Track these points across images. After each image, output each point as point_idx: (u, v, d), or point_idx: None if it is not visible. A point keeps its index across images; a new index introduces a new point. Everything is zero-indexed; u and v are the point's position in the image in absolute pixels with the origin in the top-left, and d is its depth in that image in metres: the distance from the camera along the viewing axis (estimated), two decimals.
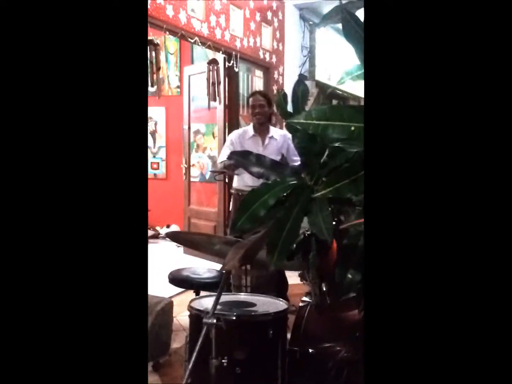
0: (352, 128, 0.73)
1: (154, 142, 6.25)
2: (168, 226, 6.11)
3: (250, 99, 3.25)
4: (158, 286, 3.22)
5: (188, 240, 1.92)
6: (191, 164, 5.17)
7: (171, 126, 6.05)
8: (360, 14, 1.03)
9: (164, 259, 4.93)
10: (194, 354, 1.46)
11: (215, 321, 1.52)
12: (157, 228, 6.14)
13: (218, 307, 1.75)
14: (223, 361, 1.64)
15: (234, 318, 1.75)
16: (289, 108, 1.19)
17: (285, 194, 1.06)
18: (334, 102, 6.09)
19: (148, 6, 3.32)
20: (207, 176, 5.04)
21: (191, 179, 5.19)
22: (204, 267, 2.79)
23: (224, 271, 1.53)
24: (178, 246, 5.11)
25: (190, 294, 2.90)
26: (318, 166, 1.13)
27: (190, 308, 1.91)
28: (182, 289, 3.37)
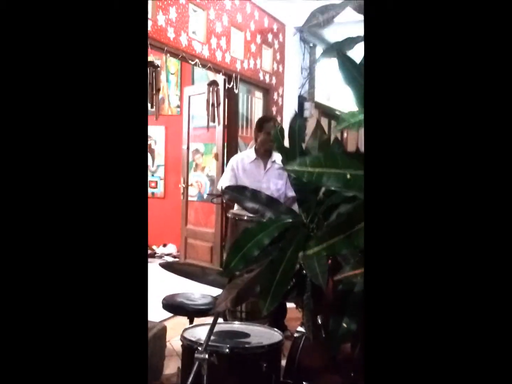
0: (348, 176, 0.71)
1: (153, 161, 6.24)
2: (164, 245, 6.06)
3: (265, 124, 3.21)
4: (151, 308, 3.17)
5: (182, 271, 1.89)
6: (189, 184, 5.15)
7: (170, 145, 6.05)
8: (356, 51, 1.02)
9: (159, 279, 4.87)
10: None
11: (207, 356, 1.48)
12: (154, 247, 6.09)
13: (211, 337, 1.71)
14: None
15: (227, 351, 1.71)
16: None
17: (279, 233, 1.04)
18: (333, 123, 6.11)
19: (149, 28, 3.34)
20: (205, 196, 5.02)
21: (189, 199, 5.17)
22: (199, 293, 2.74)
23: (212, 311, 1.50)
24: None
25: (183, 317, 2.86)
26: (314, 203, 1.11)
27: (183, 338, 1.86)
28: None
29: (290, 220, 1.05)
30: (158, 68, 3.83)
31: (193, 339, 1.82)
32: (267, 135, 3.18)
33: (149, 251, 5.94)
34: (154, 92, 3.76)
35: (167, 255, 5.85)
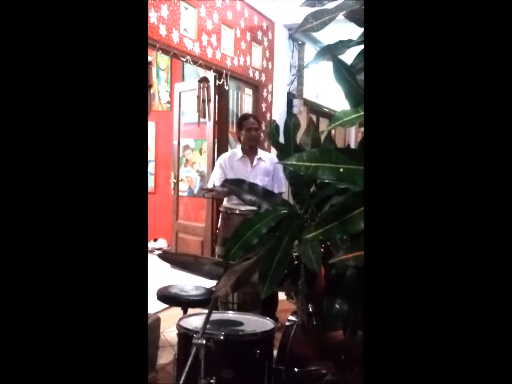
0: (341, 170, 0.79)
1: None
2: (155, 240, 6.11)
3: (244, 122, 3.30)
4: None
5: (178, 261, 1.96)
6: (179, 179, 5.21)
7: (160, 140, 6.08)
8: (348, 55, 1.10)
9: (151, 273, 4.92)
10: (184, 374, 1.49)
11: (204, 341, 1.55)
12: None
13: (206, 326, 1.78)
14: (211, 381, 1.67)
15: (222, 338, 1.79)
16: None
17: (276, 223, 1.11)
18: (323, 120, 6.21)
19: None
20: (195, 191, 5.08)
21: (180, 194, 5.22)
22: (192, 284, 2.81)
23: (212, 296, 1.57)
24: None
25: (177, 309, 2.92)
26: (308, 196, 1.19)
27: (179, 326, 1.93)
28: (166, 306, 3.38)
29: (286, 211, 1.13)
30: (150, 65, 3.87)
31: (189, 327, 1.89)
32: (249, 131, 3.27)
33: None
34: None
35: (158, 249, 5.90)
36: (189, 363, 1.53)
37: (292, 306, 2.31)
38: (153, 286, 2.89)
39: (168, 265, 5.03)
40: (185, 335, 1.89)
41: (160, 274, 4.86)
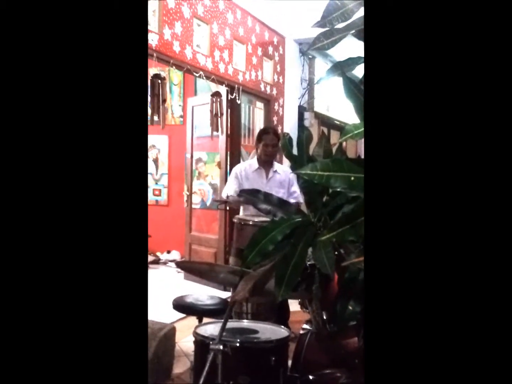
0: (352, 178, 0.85)
1: (157, 169, 6.38)
2: (168, 252, 6.18)
3: (264, 136, 3.37)
4: (159, 311, 3.30)
5: (194, 269, 2.02)
6: (192, 191, 5.29)
7: (174, 154, 6.19)
8: (358, 70, 1.16)
9: (165, 284, 4.99)
10: (202, 379, 1.54)
11: (221, 347, 1.60)
12: (158, 253, 6.21)
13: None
14: None
15: (238, 344, 1.84)
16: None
17: (290, 230, 1.17)
18: (333, 132, 6.27)
19: (156, 42, 3.50)
20: (208, 203, 5.15)
21: (192, 206, 5.30)
22: (206, 294, 2.87)
23: (230, 300, 1.63)
24: (179, 272, 5.18)
25: (191, 320, 2.97)
26: (321, 204, 1.25)
27: (195, 334, 1.99)
28: (183, 315, 3.44)
29: (300, 219, 1.19)
30: (164, 80, 3.98)
31: (206, 334, 1.94)
32: (266, 147, 3.35)
33: (154, 258, 6.07)
34: (160, 103, 3.91)
35: (171, 261, 5.98)
36: (206, 368, 1.58)
37: (305, 316, 2.35)
38: (168, 297, 2.96)
39: (181, 276, 5.12)
40: (201, 342, 1.94)
41: (173, 285, 4.93)
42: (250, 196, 1.30)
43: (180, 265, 1.87)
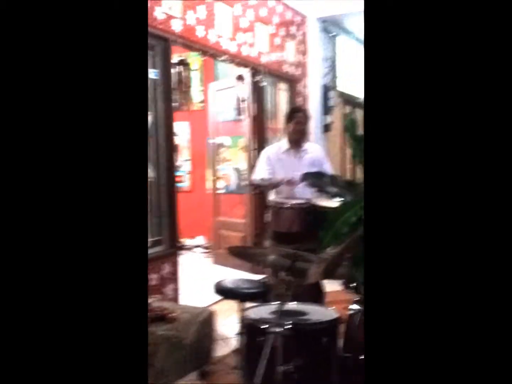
0: None
1: (178, 156, 6.38)
2: (193, 238, 6.21)
3: (295, 114, 3.34)
4: (193, 296, 3.33)
5: (245, 253, 2.02)
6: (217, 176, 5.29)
7: (195, 139, 6.18)
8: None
9: (195, 270, 5.03)
10: (264, 362, 1.55)
11: (281, 329, 1.61)
12: (182, 239, 6.24)
13: (271, 316, 1.84)
14: (288, 367, 1.72)
15: (291, 327, 1.84)
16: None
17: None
18: (358, 110, 6.19)
19: (181, 27, 3.46)
20: (232, 188, 5.16)
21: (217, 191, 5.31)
22: (241, 278, 2.88)
23: (271, 282, 1.63)
24: (206, 257, 5.21)
25: (226, 303, 2.97)
26: None
27: (245, 317, 2.00)
28: (217, 299, 3.46)
29: None
30: (188, 66, 3.95)
31: (256, 317, 1.96)
32: (296, 125, 3.30)
33: (179, 244, 6.10)
34: (184, 88, 3.88)
35: (197, 247, 6.01)
36: (267, 350, 1.59)
37: (340, 297, 2.35)
38: (200, 282, 2.96)
39: (209, 261, 5.15)
40: (251, 326, 1.95)
41: (204, 270, 4.97)
42: (315, 179, 1.29)
43: (231, 250, 1.88)
